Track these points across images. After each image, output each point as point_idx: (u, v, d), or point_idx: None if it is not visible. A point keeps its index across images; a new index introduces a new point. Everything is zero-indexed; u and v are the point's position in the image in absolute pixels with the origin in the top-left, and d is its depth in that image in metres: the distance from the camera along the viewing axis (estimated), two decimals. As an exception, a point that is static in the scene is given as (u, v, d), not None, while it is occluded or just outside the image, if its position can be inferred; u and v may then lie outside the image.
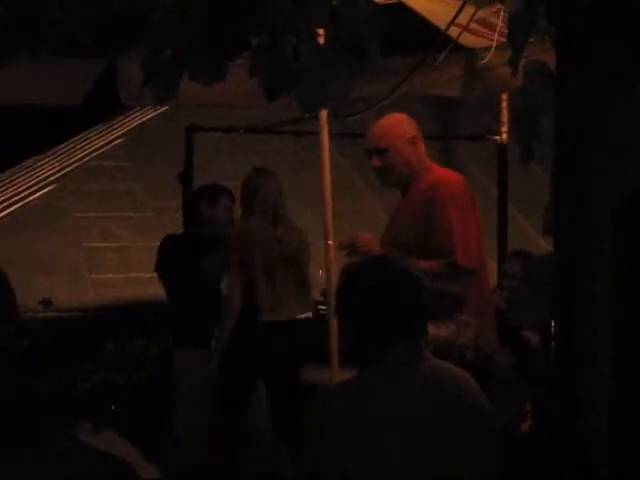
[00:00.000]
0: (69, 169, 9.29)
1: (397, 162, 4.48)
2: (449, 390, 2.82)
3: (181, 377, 5.70)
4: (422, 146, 4.54)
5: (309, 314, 5.78)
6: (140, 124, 9.77)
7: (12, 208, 8.84)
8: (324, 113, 4.83)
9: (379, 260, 3.06)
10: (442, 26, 4.35)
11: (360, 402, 2.81)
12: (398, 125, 4.53)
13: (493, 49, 4.76)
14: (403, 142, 4.47)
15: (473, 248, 4.32)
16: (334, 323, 4.95)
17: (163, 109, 8.71)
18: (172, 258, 5.71)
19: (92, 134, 10.13)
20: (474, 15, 4.08)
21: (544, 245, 7.41)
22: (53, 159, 9.83)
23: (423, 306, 2.91)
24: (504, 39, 3.27)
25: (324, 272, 5.04)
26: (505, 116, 6.71)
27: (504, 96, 6.50)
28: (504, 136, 6.78)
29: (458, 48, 4.96)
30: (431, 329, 3.03)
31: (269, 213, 5.67)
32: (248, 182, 5.73)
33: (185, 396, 5.64)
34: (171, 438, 5.55)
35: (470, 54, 5.41)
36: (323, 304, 5.57)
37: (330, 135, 5.02)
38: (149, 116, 9.68)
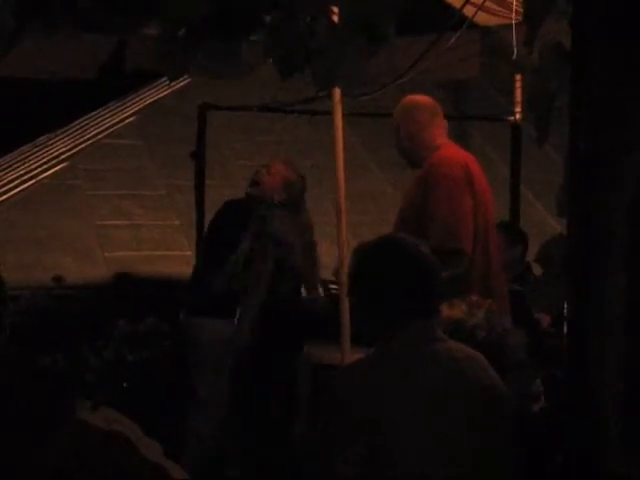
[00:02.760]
0: (82, 147, 9.29)
1: (403, 140, 4.60)
2: (464, 371, 2.83)
3: (199, 347, 5.66)
4: (435, 125, 4.59)
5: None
6: (153, 102, 9.74)
7: (24, 185, 8.84)
8: (337, 92, 4.82)
9: (392, 240, 3.06)
10: (457, 4, 4.32)
11: (375, 381, 2.82)
12: (411, 104, 4.64)
13: (509, 28, 4.72)
14: (411, 121, 4.56)
15: (461, 229, 4.32)
16: (346, 302, 4.92)
17: (176, 87, 8.72)
18: (235, 222, 5.69)
19: (105, 111, 10.10)
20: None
21: (556, 226, 7.42)
22: (66, 136, 9.81)
23: (435, 286, 2.91)
24: (520, 18, 3.24)
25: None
26: (519, 96, 6.67)
27: (518, 76, 6.46)
28: (518, 117, 6.73)
29: (473, 27, 4.97)
30: (443, 310, 3.03)
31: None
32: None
33: (202, 372, 5.64)
34: (187, 422, 5.60)
35: (485, 33, 5.38)
36: (335, 283, 5.56)
37: (343, 115, 4.98)
38: (162, 94, 9.67)
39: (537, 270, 6.23)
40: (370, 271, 2.91)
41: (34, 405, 2.30)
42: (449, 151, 4.55)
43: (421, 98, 4.68)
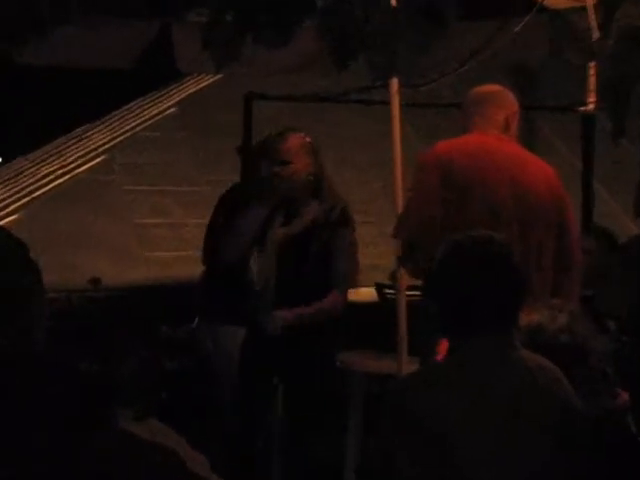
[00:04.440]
0: (119, 139, 9.35)
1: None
2: (536, 381, 2.83)
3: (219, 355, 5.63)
4: (476, 115, 4.51)
5: None
6: (195, 92, 9.75)
7: (59, 180, 8.94)
8: (395, 81, 4.78)
9: (480, 241, 2.99)
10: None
11: (443, 392, 2.82)
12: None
13: (580, 11, 4.69)
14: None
15: (401, 219, 4.47)
16: (403, 307, 4.99)
17: (220, 76, 8.66)
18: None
19: (144, 102, 10.13)
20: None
21: (633, 227, 7.32)
22: (104, 128, 9.88)
23: (519, 293, 2.90)
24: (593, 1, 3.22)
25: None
26: (592, 85, 6.60)
27: (592, 63, 6.39)
28: (591, 106, 6.66)
29: (542, 10, 4.93)
30: (523, 314, 3.01)
31: None
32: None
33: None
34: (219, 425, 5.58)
35: (555, 17, 5.34)
36: (391, 287, 5.57)
37: (401, 106, 4.98)
38: (204, 83, 9.66)
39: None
40: (454, 272, 2.89)
41: (70, 409, 2.33)
42: (448, 141, 4.51)
43: (477, 88, 4.60)
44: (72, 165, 9.22)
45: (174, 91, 9.96)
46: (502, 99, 4.51)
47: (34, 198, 8.72)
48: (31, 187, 8.97)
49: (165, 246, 8.12)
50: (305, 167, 4.90)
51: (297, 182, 4.93)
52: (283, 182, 4.92)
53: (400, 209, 4.93)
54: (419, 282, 4.35)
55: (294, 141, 4.88)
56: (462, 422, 2.75)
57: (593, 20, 4.16)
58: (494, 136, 4.42)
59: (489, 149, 4.41)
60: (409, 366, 4.68)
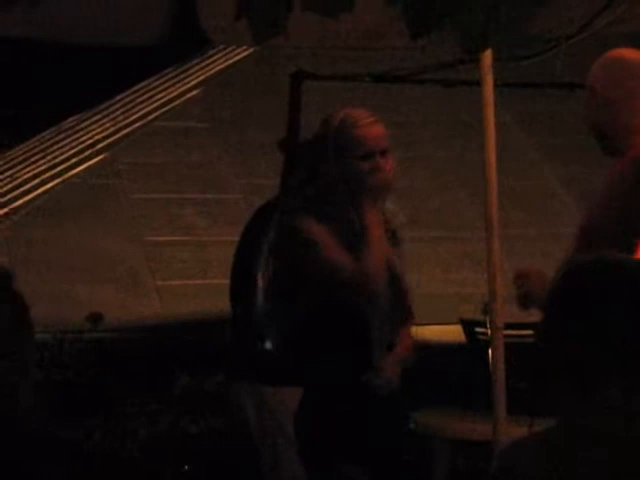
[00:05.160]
0: (125, 132, 9.34)
1: (600, 111, 4.48)
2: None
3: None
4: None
5: None
6: (222, 70, 9.69)
7: (46, 186, 8.99)
8: (488, 55, 4.66)
9: (625, 265, 2.97)
10: None
11: (560, 468, 2.85)
12: (616, 59, 4.49)
13: None
14: (614, 83, 4.47)
15: None
16: (500, 352, 4.86)
17: (255, 49, 8.77)
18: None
19: (157, 83, 9.99)
20: None
21: None
22: (104, 118, 9.83)
23: None
24: None
25: None
26: None
27: None
28: None
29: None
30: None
31: None
32: None
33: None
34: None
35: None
36: (482, 325, 5.57)
37: (495, 85, 4.82)
38: (235, 58, 9.61)
39: None
40: (587, 307, 2.89)
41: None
42: None
43: (633, 53, 4.46)
44: (62, 166, 9.24)
45: (196, 68, 9.84)
46: None
47: (13, 209, 8.74)
48: (9, 196, 8.98)
49: (184, 271, 8.14)
50: None
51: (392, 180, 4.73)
52: (386, 181, 4.65)
53: (494, 222, 4.80)
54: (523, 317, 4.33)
55: (381, 124, 4.65)
56: None
57: None
58: None
59: None
60: (510, 430, 4.61)
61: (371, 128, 4.58)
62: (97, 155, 9.22)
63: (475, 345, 5.78)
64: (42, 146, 9.92)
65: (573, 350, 2.91)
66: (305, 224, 4.68)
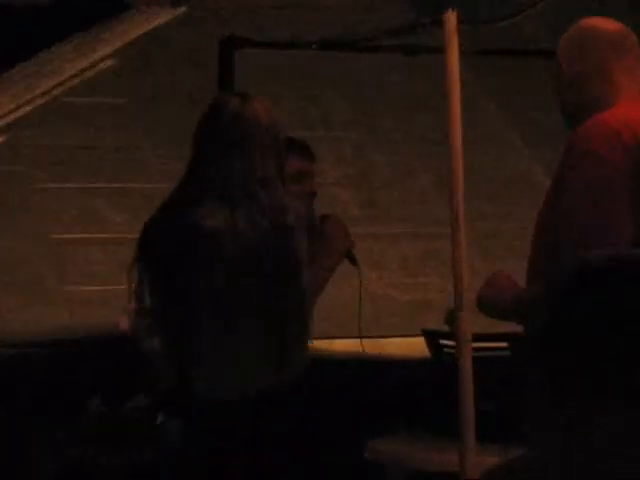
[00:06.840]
0: (27, 109, 9.22)
1: (565, 85, 4.52)
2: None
3: None
4: (620, 69, 4.45)
5: None
6: (142, 35, 9.65)
7: None
8: (452, 16, 4.74)
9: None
10: None
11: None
12: (582, 30, 4.54)
13: None
14: (578, 56, 4.50)
15: (609, 234, 4.25)
16: (468, 367, 4.84)
17: (180, 10, 8.75)
18: None
19: (65, 50, 10.00)
20: None
21: None
22: (0, 92, 9.66)
23: None
24: None
25: None
26: None
27: None
28: None
29: None
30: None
31: None
32: None
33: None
34: None
35: None
36: (449, 337, 5.63)
37: (461, 51, 4.84)
38: (156, 22, 9.64)
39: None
40: (588, 306, 3.20)
41: None
42: (614, 113, 4.32)
43: (602, 22, 4.51)
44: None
45: (110, 34, 9.93)
46: None
47: None
48: None
49: (98, 275, 8.09)
50: None
51: None
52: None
53: (460, 215, 4.87)
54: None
55: None
56: None
57: None
58: None
59: None
60: (480, 459, 4.62)
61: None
62: (-7, 137, 9.28)
63: (439, 360, 5.94)
64: None
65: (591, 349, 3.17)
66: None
